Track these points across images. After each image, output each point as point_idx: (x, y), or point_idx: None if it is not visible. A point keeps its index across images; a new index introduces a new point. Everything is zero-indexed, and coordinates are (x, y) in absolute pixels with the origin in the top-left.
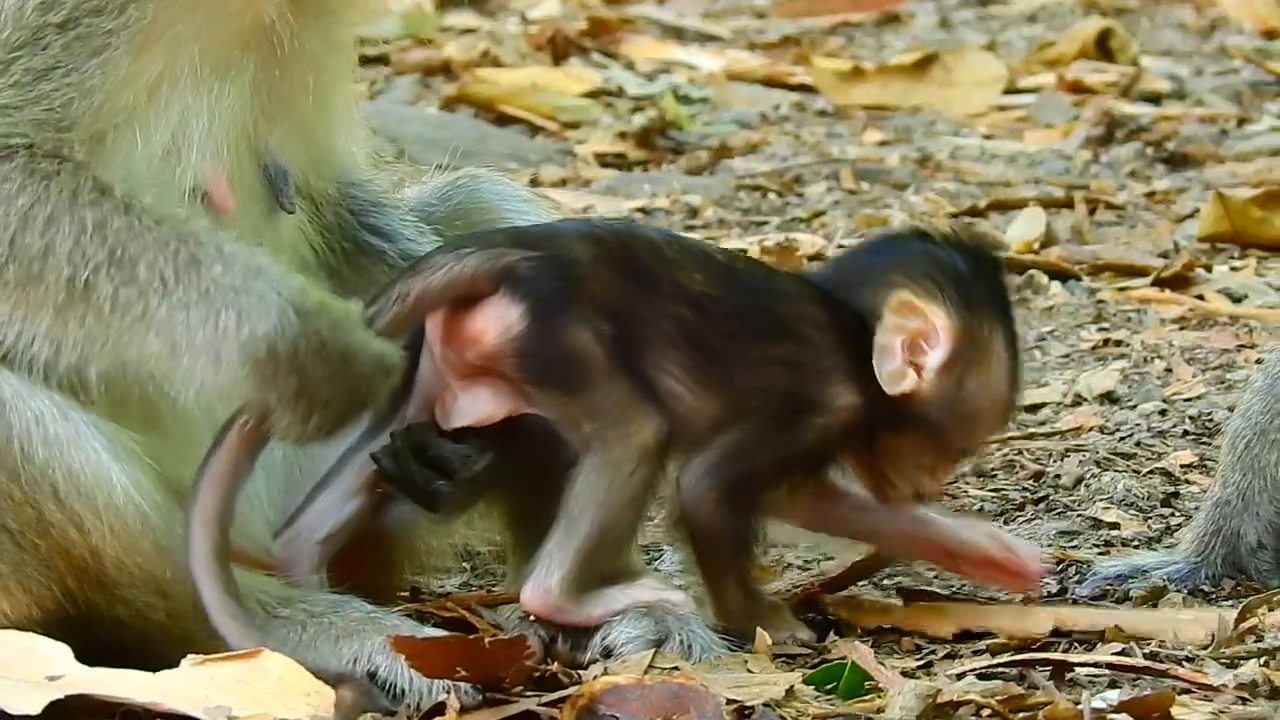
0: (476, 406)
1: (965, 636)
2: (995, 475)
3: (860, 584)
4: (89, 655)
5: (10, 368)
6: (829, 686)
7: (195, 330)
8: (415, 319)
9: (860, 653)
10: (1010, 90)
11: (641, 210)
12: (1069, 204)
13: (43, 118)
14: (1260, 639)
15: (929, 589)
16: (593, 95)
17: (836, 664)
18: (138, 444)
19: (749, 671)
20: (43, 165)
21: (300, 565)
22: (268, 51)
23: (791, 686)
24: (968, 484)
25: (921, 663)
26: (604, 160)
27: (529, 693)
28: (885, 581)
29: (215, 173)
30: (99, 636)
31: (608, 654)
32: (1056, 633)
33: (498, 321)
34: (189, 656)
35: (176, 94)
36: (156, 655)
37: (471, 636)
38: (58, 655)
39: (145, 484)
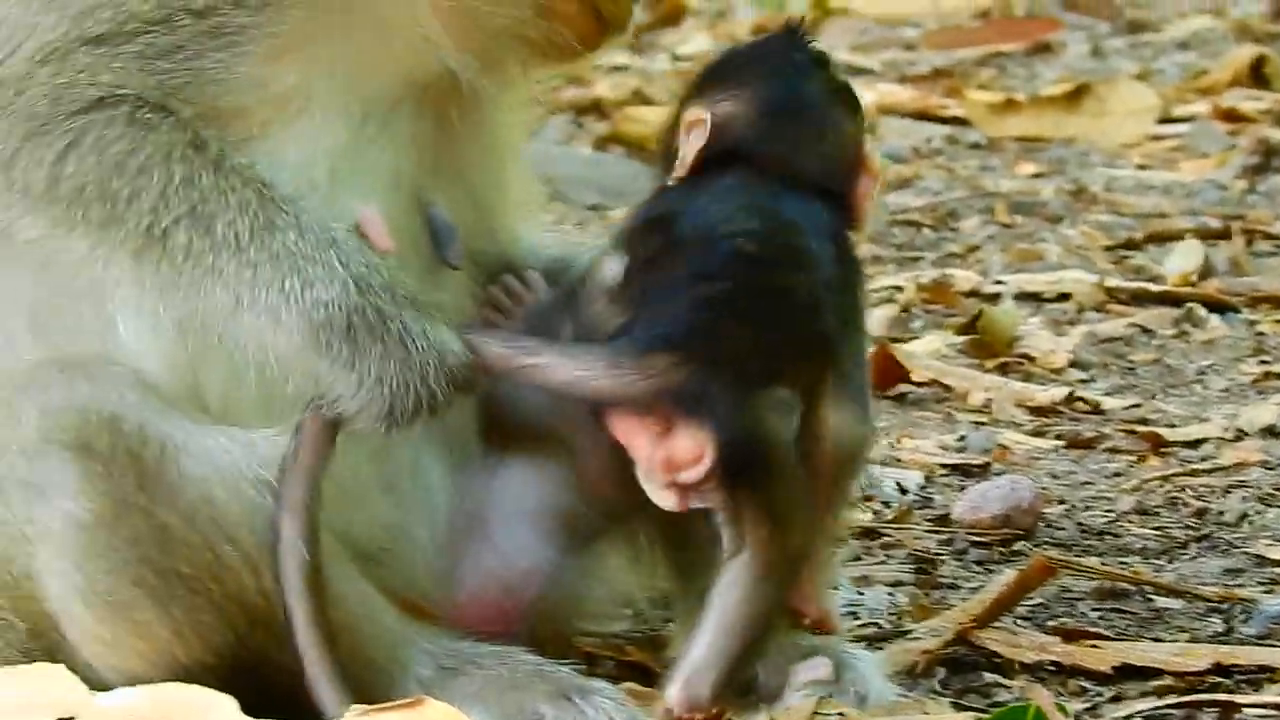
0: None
1: (1125, 673)
2: (1158, 513)
3: (1019, 620)
4: (262, 702)
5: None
6: None
7: (260, 289)
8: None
9: (1041, 696)
10: (1164, 119)
11: None
12: (1226, 235)
13: (155, 84)
14: None
15: (1090, 628)
16: None
17: (1016, 707)
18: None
19: (924, 714)
20: (146, 116)
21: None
22: (434, 100)
23: None
24: (1130, 522)
25: (1087, 705)
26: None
27: None
28: (1046, 620)
29: (369, 212)
30: (271, 683)
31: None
32: (1221, 671)
33: (695, 450)
34: (353, 706)
35: (313, 116)
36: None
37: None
38: (223, 706)
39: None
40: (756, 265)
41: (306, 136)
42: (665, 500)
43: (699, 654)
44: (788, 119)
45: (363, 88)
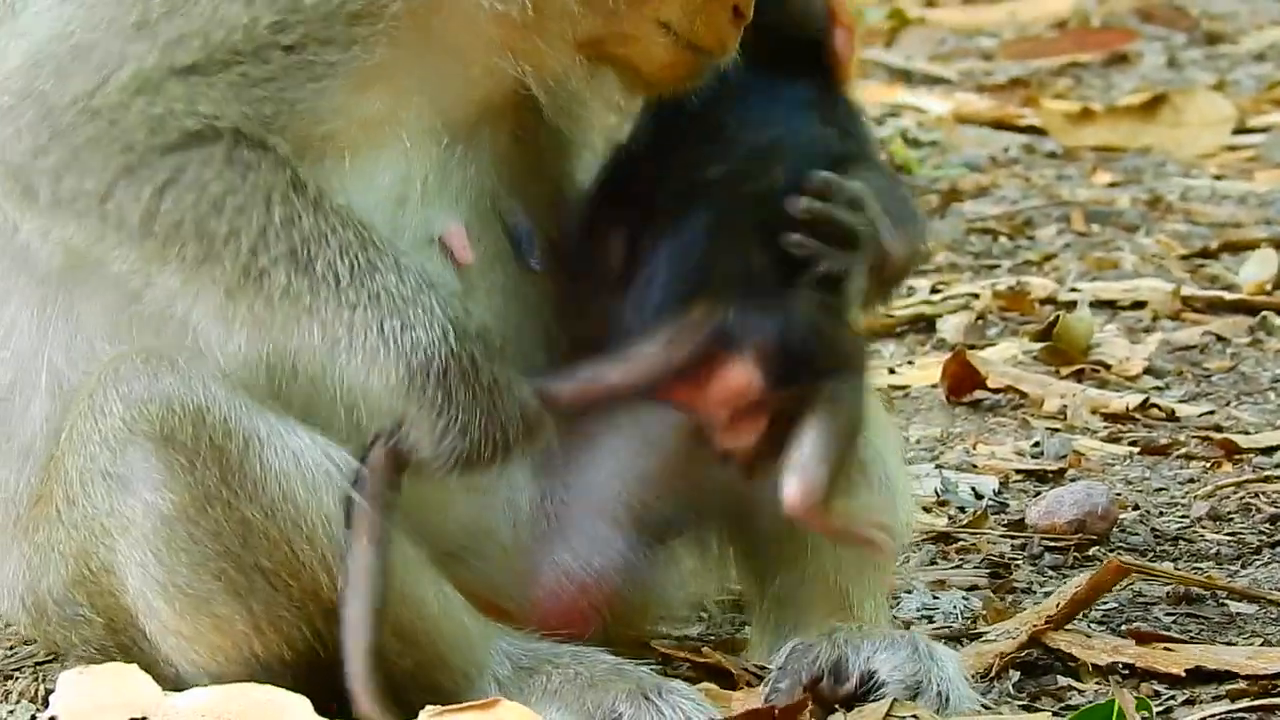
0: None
1: (1198, 677)
2: (1231, 519)
3: (1085, 622)
4: (335, 699)
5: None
6: None
7: (359, 331)
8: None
9: (1123, 696)
10: (1240, 130)
11: None
12: None
13: (250, 112)
14: None
15: (1164, 632)
16: None
17: (1097, 705)
18: None
19: (987, 708)
20: (245, 155)
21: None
22: (513, 122)
23: None
24: (1204, 527)
25: (1161, 708)
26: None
27: None
28: (1120, 624)
29: (454, 226)
30: (344, 683)
31: (869, 680)
32: None
33: (738, 383)
34: (427, 707)
35: (401, 140)
36: (404, 702)
37: (762, 707)
38: (295, 707)
39: (398, 535)
40: (727, 187)
41: (395, 159)
42: (739, 439)
43: (805, 457)
44: None
45: (445, 110)
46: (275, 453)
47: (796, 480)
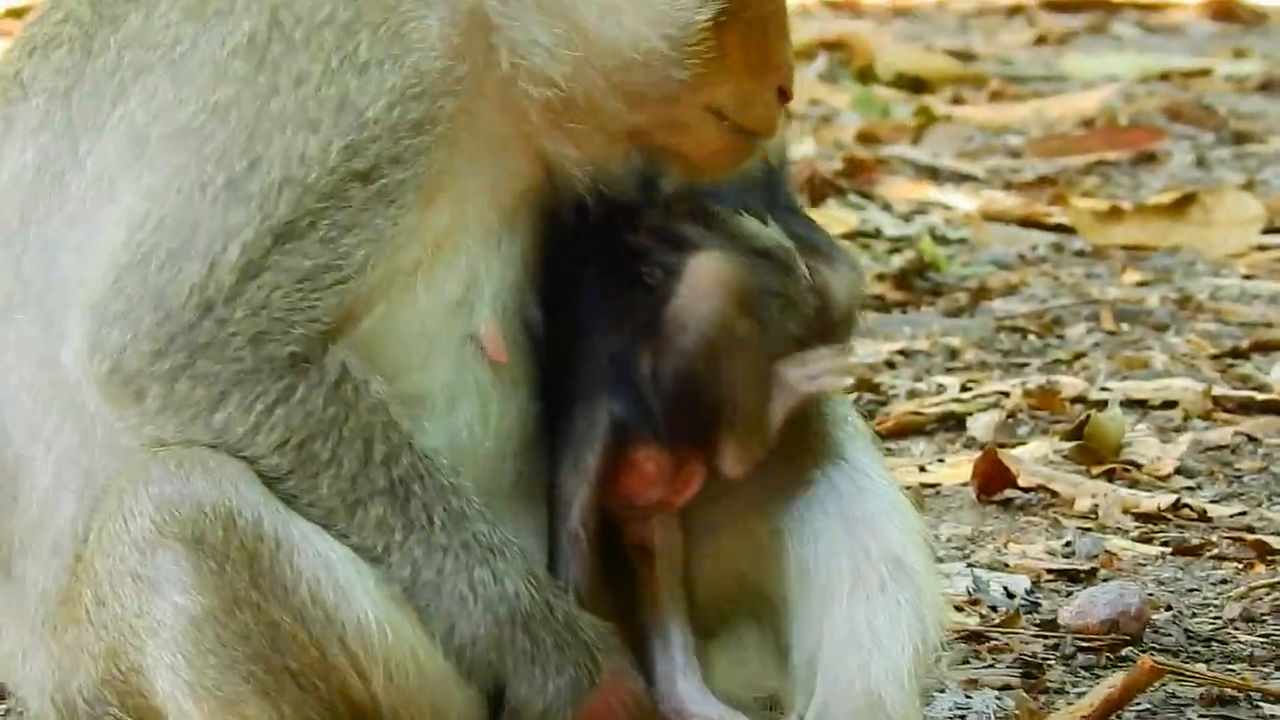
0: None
1: None
2: (1265, 620)
3: None
4: None
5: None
6: None
7: (448, 576)
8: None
9: None
10: (1270, 230)
11: (901, 353)
12: None
13: (344, 295)
14: None
15: None
16: (850, 236)
17: None
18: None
19: None
20: (347, 391)
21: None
22: (540, 213)
23: None
24: (1237, 629)
25: None
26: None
27: None
28: (1144, 716)
29: (491, 325)
30: None
31: None
32: None
33: (649, 469)
34: None
35: (464, 246)
36: None
37: None
38: None
39: (425, 647)
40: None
41: (458, 264)
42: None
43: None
44: None
45: (498, 207)
46: (306, 557)
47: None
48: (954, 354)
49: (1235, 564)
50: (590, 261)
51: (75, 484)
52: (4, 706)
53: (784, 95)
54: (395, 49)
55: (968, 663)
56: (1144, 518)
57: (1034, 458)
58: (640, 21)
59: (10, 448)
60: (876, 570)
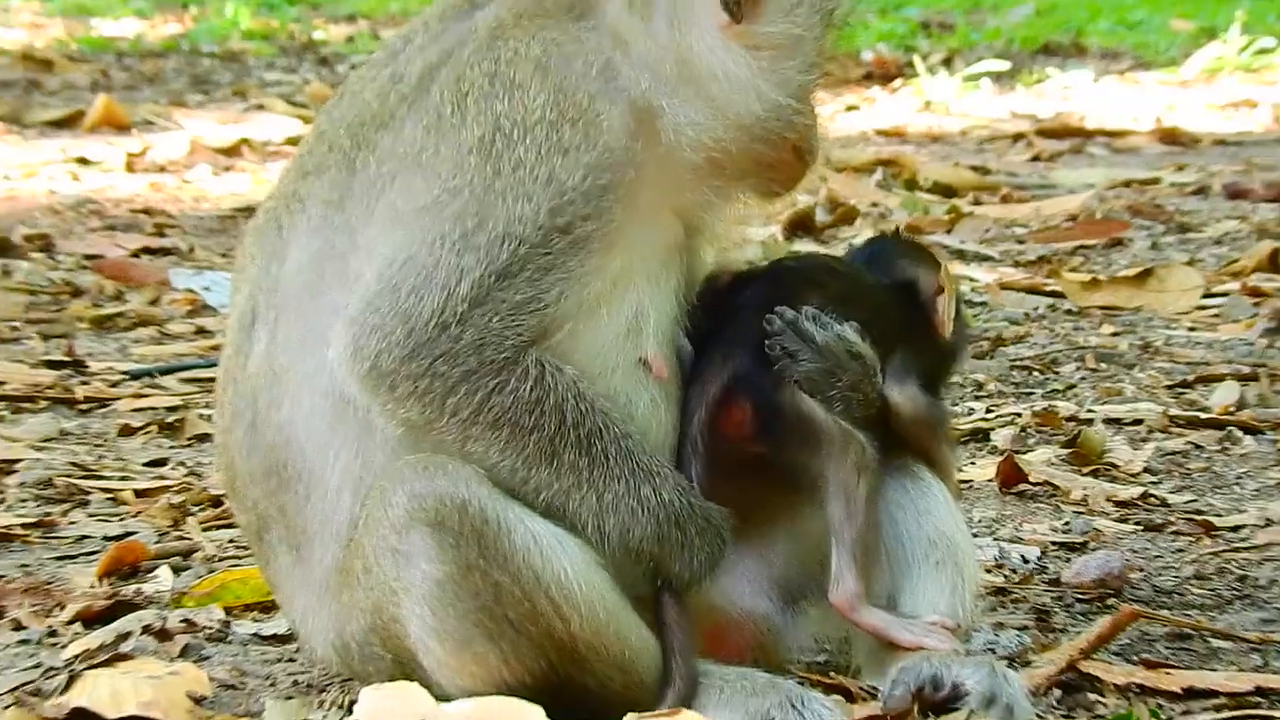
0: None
1: (1191, 694)
2: (1211, 579)
3: (1105, 653)
4: (561, 715)
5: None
6: None
7: (623, 496)
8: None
9: (1142, 711)
10: (1207, 295)
11: None
12: (1255, 378)
13: (544, 318)
14: None
15: (1165, 661)
16: None
17: (1121, 715)
18: (603, 560)
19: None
20: (548, 380)
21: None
22: (683, 259)
23: None
24: (1191, 585)
25: (1166, 718)
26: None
27: None
28: (1132, 655)
29: (656, 349)
30: (571, 700)
31: (956, 690)
32: (1260, 693)
33: (738, 415)
34: (628, 716)
35: (634, 284)
36: (610, 717)
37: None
38: (533, 714)
39: (609, 587)
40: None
41: (632, 299)
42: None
43: (836, 567)
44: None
45: (659, 252)
46: (519, 534)
47: (835, 593)
48: (980, 386)
49: (1189, 537)
50: (730, 320)
51: (352, 485)
52: (295, 646)
53: (819, 123)
54: (590, 134)
55: (995, 610)
56: (1121, 504)
57: (1041, 461)
58: (769, 89)
59: (306, 460)
60: (937, 545)
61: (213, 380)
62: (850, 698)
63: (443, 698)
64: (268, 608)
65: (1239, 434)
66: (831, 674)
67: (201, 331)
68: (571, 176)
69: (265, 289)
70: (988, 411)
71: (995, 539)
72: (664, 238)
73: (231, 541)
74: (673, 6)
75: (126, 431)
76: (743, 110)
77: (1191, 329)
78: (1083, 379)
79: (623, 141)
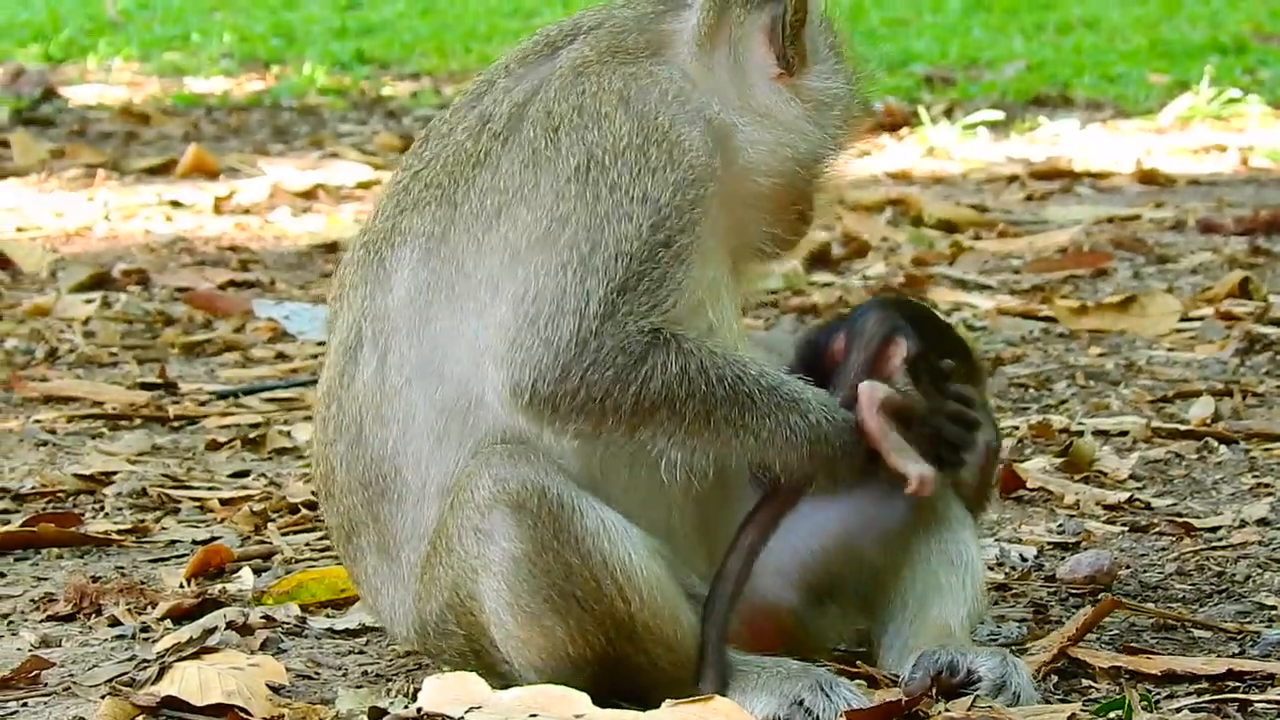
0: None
1: (1173, 678)
2: (1191, 574)
3: (1097, 642)
4: (612, 690)
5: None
6: (1113, 716)
7: (776, 429)
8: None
9: (1132, 694)
10: (1184, 319)
11: None
12: (1229, 393)
13: (667, 307)
14: None
15: (1150, 649)
16: None
17: (1113, 699)
18: (661, 550)
19: (1045, 701)
20: (684, 344)
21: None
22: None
23: (1073, 714)
24: (1173, 580)
25: (1151, 700)
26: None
27: None
28: (1120, 643)
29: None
30: (621, 675)
31: (970, 676)
32: (1236, 677)
33: (898, 351)
34: (668, 700)
35: (720, 300)
36: (655, 697)
37: (897, 699)
38: (580, 700)
39: (666, 574)
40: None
41: (716, 306)
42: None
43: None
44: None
45: (729, 261)
46: (590, 519)
47: (865, 386)
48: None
49: (1171, 537)
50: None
51: (442, 496)
52: (365, 639)
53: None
54: (675, 154)
55: (997, 604)
56: (1110, 508)
57: (1037, 469)
58: (814, 130)
59: (405, 473)
60: (946, 550)
61: (291, 400)
62: (874, 684)
63: (508, 678)
64: (340, 605)
65: (1215, 444)
66: (858, 663)
67: (281, 356)
68: (663, 194)
69: (372, 316)
70: None
71: (996, 540)
72: (731, 253)
73: (307, 545)
74: (734, 54)
75: (213, 446)
76: (791, 146)
77: (1171, 349)
78: (1074, 395)
79: (703, 159)
